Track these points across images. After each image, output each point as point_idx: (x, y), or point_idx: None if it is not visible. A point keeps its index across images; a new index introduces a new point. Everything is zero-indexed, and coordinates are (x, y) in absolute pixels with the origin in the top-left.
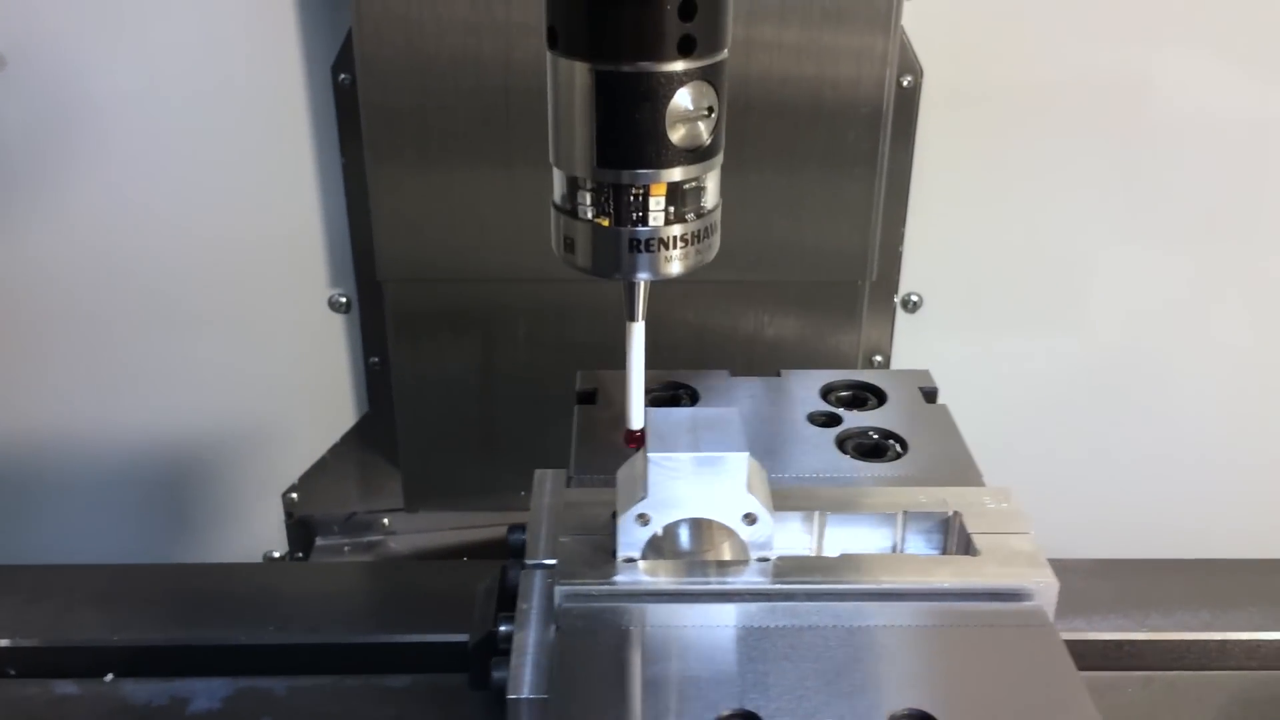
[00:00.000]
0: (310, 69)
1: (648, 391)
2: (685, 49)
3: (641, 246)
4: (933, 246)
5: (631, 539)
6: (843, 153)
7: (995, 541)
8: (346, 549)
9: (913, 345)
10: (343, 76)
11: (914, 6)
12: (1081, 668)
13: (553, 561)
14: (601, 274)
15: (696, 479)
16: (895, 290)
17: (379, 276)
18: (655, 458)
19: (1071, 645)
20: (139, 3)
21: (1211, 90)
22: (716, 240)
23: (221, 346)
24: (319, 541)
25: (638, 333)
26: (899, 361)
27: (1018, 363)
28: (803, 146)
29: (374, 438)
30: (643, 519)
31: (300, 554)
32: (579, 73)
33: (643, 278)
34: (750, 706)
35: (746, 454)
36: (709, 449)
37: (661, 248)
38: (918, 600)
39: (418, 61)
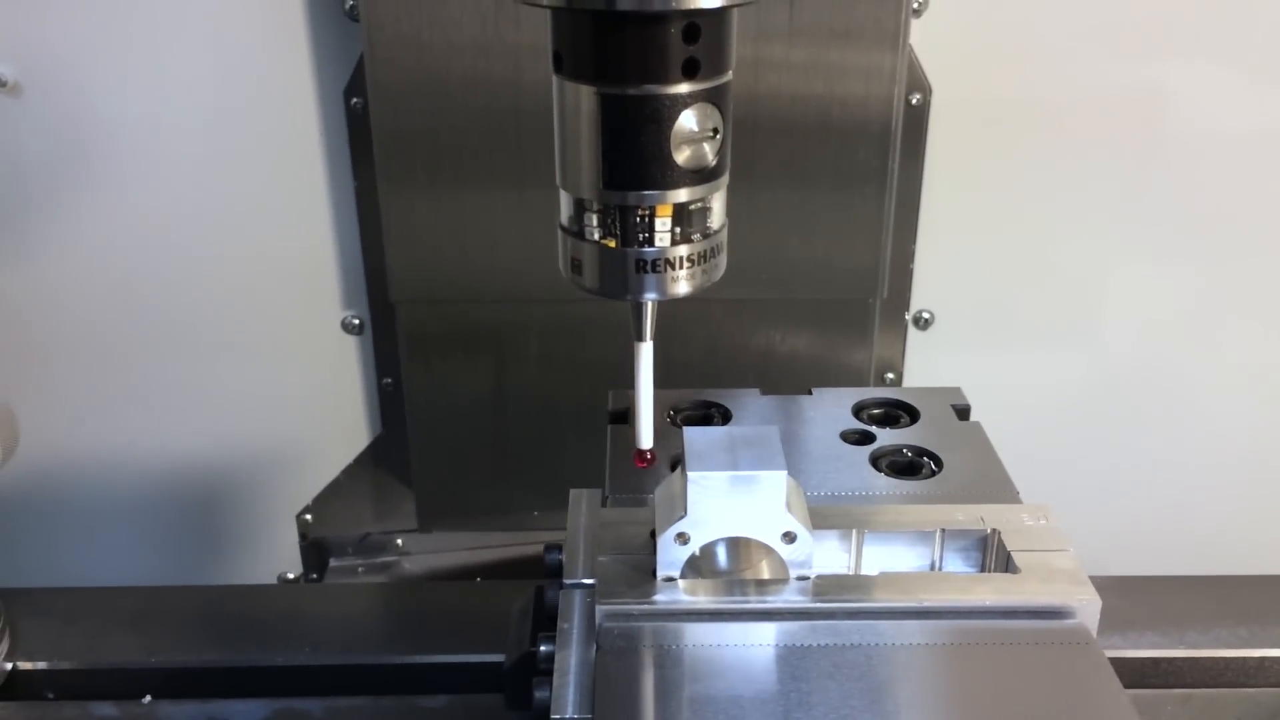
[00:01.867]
0: (323, 93)
1: (678, 411)
2: (689, 71)
3: (648, 267)
4: (944, 263)
5: (671, 558)
6: (852, 171)
7: (1035, 559)
8: (360, 570)
9: (925, 362)
10: (355, 100)
11: (922, 24)
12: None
13: (592, 581)
14: (609, 295)
15: (735, 497)
16: (907, 308)
17: (391, 298)
18: (694, 476)
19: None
20: (152, 29)
21: (1223, 105)
22: (723, 260)
23: (235, 369)
24: (333, 563)
25: (646, 353)
26: (911, 379)
27: (1030, 379)
28: (812, 165)
29: (387, 459)
30: (682, 538)
31: (315, 575)
32: (584, 96)
33: (650, 298)
34: None
35: (785, 472)
36: (747, 467)
37: (668, 268)
38: (959, 619)
39: (429, 84)
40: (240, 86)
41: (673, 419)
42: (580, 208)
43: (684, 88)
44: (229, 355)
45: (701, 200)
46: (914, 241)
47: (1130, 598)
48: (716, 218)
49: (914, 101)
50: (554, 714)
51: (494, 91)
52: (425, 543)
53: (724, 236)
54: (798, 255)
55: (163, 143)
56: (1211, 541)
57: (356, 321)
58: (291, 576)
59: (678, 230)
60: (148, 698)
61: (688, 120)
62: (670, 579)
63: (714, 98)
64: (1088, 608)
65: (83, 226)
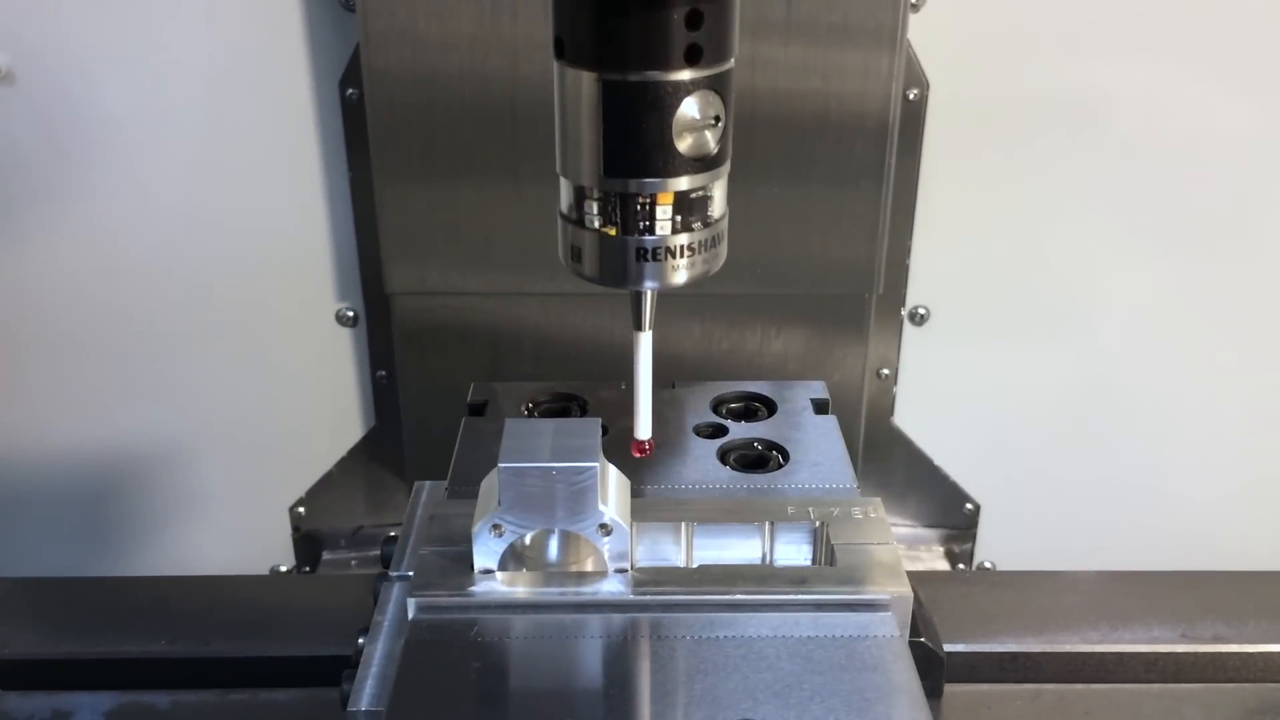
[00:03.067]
0: (318, 84)
1: (539, 404)
2: (692, 58)
3: (648, 255)
4: (940, 259)
5: (487, 549)
6: (849, 167)
7: (857, 552)
8: (353, 563)
9: (920, 358)
10: (350, 91)
11: (920, 19)
12: (976, 680)
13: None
14: (609, 284)
15: (550, 490)
16: (903, 303)
17: (386, 290)
18: (507, 468)
19: (966, 657)
20: (146, 19)
21: (1218, 105)
22: (724, 250)
23: (229, 360)
24: (325, 555)
25: (645, 343)
26: (907, 375)
27: (1025, 374)
28: (809, 161)
29: (381, 451)
30: (497, 529)
31: (307, 568)
32: (585, 82)
33: (650, 287)
34: (584, 718)
35: (598, 464)
36: (563, 459)
37: (668, 257)
38: (772, 611)
39: (425, 76)
40: (235, 76)
41: (530, 411)
42: (580, 195)
43: (686, 75)
44: (222, 347)
45: (702, 188)
46: (910, 237)
47: (998, 591)
48: (717, 206)
49: (911, 97)
50: (350, 705)
51: (490, 84)
52: None
53: (724, 225)
54: (794, 250)
55: (156, 133)
56: (1203, 537)
57: (350, 314)
58: (284, 569)
59: (678, 219)
60: None
61: (689, 107)
62: (488, 571)
63: (716, 85)
64: (899, 601)
65: (74, 217)
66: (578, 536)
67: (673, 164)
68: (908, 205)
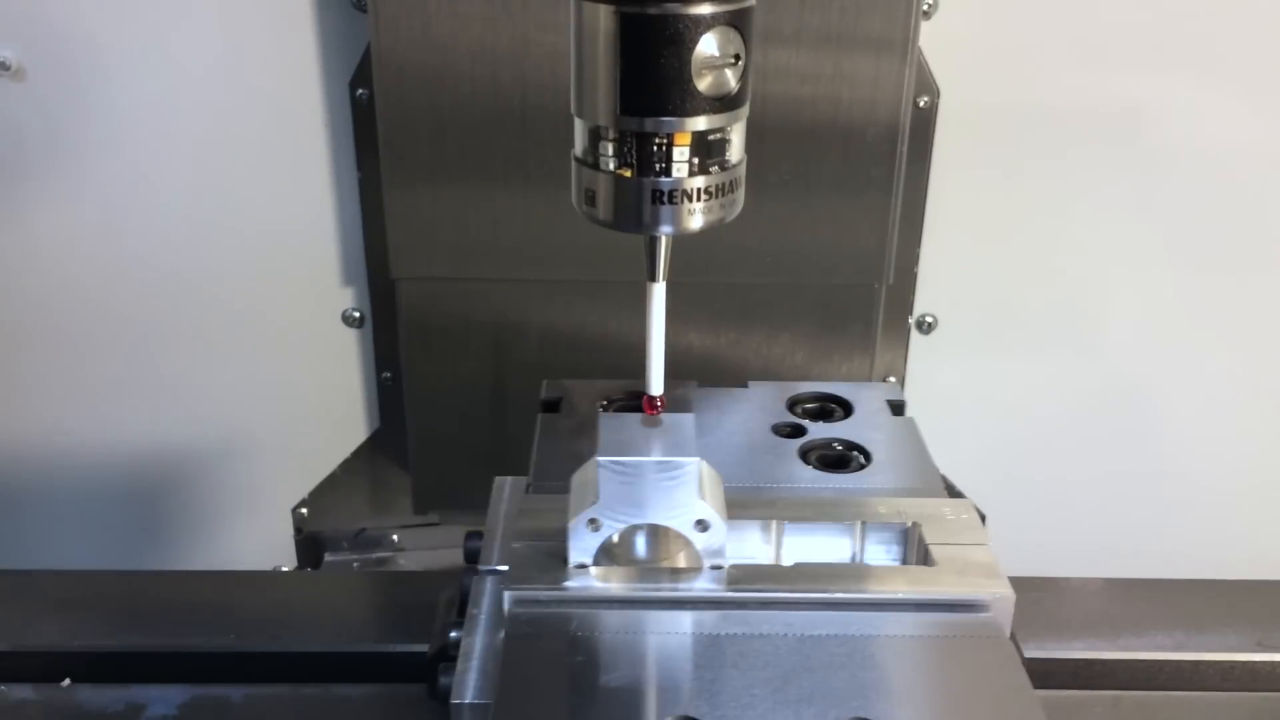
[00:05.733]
0: (328, 84)
1: (612, 401)
2: None
3: (664, 198)
4: (948, 267)
5: (583, 544)
6: (858, 174)
7: (953, 552)
8: (355, 564)
9: (927, 367)
10: (360, 91)
11: (931, 27)
12: (1050, 686)
13: (505, 568)
14: (623, 228)
15: (648, 484)
16: (910, 311)
17: (393, 274)
18: (605, 462)
19: (1042, 663)
20: (158, 16)
21: (1227, 116)
22: (741, 196)
23: (234, 360)
24: (328, 557)
25: (658, 294)
26: (914, 383)
27: (1032, 384)
28: (819, 168)
29: (385, 453)
30: (594, 524)
31: (309, 569)
32: (603, 16)
33: (665, 231)
34: (694, 713)
35: (698, 459)
36: (660, 454)
37: (685, 200)
38: (871, 610)
39: (435, 77)
40: (245, 76)
41: (605, 408)
42: (596, 136)
43: (706, 9)
44: (228, 346)
45: (721, 130)
46: (919, 245)
47: (1069, 598)
48: (735, 150)
49: (921, 104)
50: (454, 699)
51: (500, 86)
52: (420, 538)
53: (742, 171)
54: (800, 257)
55: (165, 131)
56: (1211, 547)
57: (357, 314)
58: (286, 570)
59: (695, 161)
60: (66, 681)
61: (709, 44)
62: (582, 566)
63: (736, 21)
64: (1001, 602)
65: (81, 213)
66: (668, 532)
67: (691, 103)
68: (917, 213)
